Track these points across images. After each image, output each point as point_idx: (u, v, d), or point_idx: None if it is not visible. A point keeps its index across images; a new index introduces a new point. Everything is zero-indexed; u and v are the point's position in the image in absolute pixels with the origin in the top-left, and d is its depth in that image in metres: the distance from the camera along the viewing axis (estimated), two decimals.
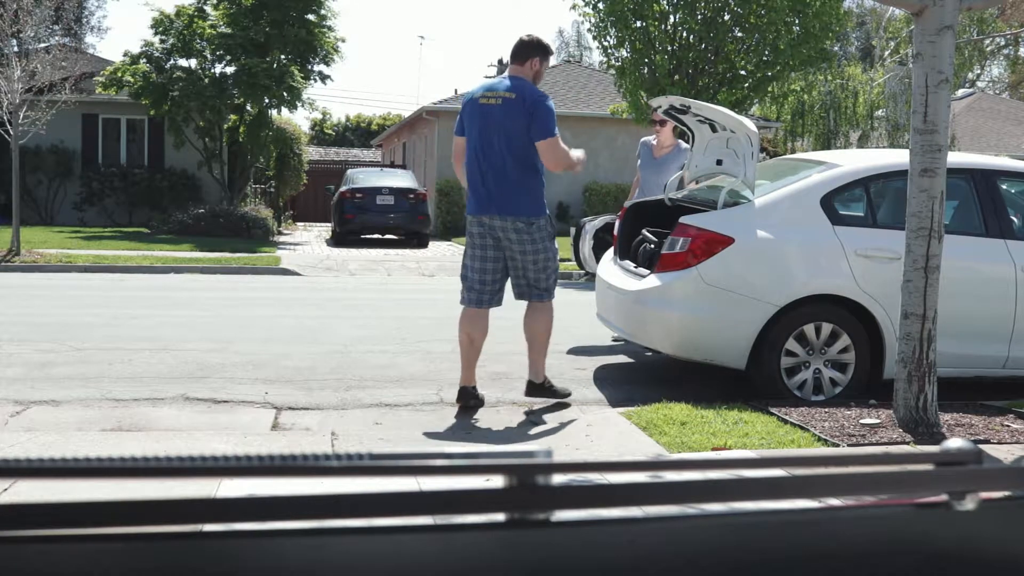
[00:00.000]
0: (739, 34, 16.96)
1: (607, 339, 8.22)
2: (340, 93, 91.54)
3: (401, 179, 22.65)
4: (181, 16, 22.22)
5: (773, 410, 5.56)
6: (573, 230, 8.93)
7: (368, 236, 22.18)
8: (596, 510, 0.83)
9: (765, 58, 16.73)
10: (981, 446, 3.80)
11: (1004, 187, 6.63)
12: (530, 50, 5.77)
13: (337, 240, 22.03)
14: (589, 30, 17.66)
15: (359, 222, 21.38)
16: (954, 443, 0.92)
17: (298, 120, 54.09)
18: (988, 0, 6.27)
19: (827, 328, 6.12)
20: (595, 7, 16.93)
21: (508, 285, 5.90)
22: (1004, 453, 4.88)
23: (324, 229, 27.41)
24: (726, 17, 16.71)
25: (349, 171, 24.34)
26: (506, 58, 6.81)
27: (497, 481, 0.82)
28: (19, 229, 15.39)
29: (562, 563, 0.85)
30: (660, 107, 7.27)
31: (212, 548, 0.80)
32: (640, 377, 7.09)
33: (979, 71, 46.77)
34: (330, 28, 23.39)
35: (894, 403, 5.38)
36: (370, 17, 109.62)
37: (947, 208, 5.54)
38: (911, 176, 5.26)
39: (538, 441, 5.15)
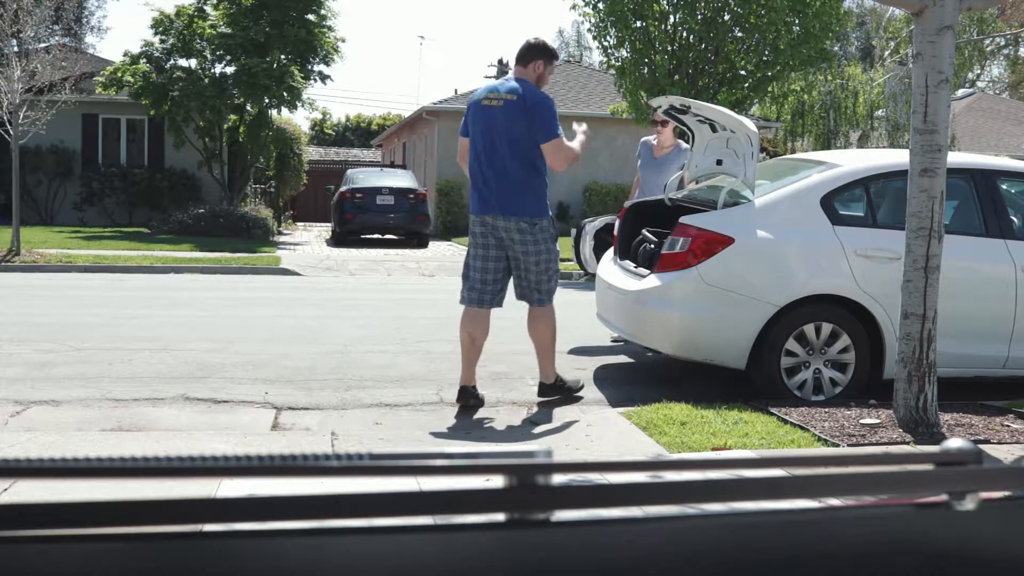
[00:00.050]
0: (739, 34, 16.95)
1: (607, 339, 8.22)
2: (340, 93, 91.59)
3: (401, 179, 22.66)
4: (181, 16, 22.22)
5: (773, 410, 5.56)
6: (574, 231, 8.94)
7: (368, 236, 22.18)
8: (596, 510, 0.83)
9: (765, 58, 16.73)
10: (981, 446, 3.80)
11: (1004, 187, 6.63)
12: (534, 53, 5.78)
13: (337, 240, 22.03)
14: (589, 30, 17.66)
15: (359, 222, 21.38)
16: (954, 443, 0.92)
17: (298, 120, 54.15)
18: (988, 0, 6.27)
19: (827, 328, 6.12)
20: (595, 7, 16.93)
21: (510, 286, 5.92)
22: (1004, 453, 4.88)
23: (324, 229, 27.42)
24: (726, 17, 16.71)
25: (349, 171, 24.34)
26: (506, 58, 6.83)
27: (497, 481, 0.82)
28: (19, 229, 15.39)
29: (562, 563, 0.85)
30: (660, 107, 7.27)
31: (212, 548, 0.80)
32: (640, 377, 7.09)
33: (979, 71, 46.77)
34: (330, 28, 23.39)
35: (894, 403, 5.38)
36: (370, 17, 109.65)
37: (947, 208, 5.54)
38: (911, 176, 5.26)
39: (538, 441, 5.16)
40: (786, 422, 5.32)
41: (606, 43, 17.20)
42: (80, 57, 21.15)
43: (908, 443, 4.99)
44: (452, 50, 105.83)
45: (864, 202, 6.43)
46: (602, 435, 5.25)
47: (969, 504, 0.90)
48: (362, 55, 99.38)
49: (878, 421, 5.34)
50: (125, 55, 22.27)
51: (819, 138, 28.13)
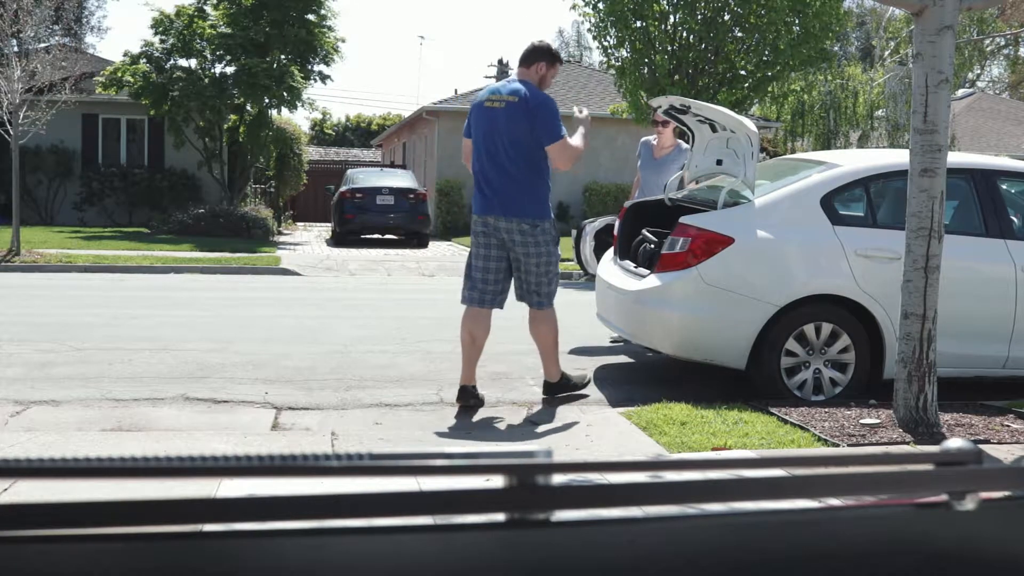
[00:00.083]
0: (739, 34, 16.95)
1: (607, 339, 8.22)
2: (340, 93, 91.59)
3: (401, 179, 22.66)
4: (181, 16, 22.22)
5: (773, 410, 5.56)
6: (574, 231, 8.95)
7: (368, 236, 22.18)
8: (596, 510, 0.83)
9: (765, 58, 16.72)
10: (981, 446, 3.80)
11: (1004, 187, 6.63)
12: (537, 55, 5.80)
13: (337, 240, 22.03)
14: (589, 30, 17.65)
15: (359, 222, 21.38)
16: (954, 443, 0.92)
17: (298, 120, 54.15)
18: (988, 0, 6.27)
19: (827, 328, 6.12)
20: (595, 7, 16.93)
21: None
22: (1004, 453, 4.88)
23: (324, 229, 27.42)
24: (726, 17, 16.71)
25: (349, 171, 24.34)
26: (506, 58, 6.85)
27: (497, 481, 0.82)
28: (19, 229, 15.39)
29: (562, 563, 0.85)
30: (660, 107, 7.27)
31: (212, 548, 0.80)
32: (640, 377, 7.09)
33: (979, 71, 46.77)
34: (330, 28, 23.39)
35: (894, 403, 5.38)
36: (370, 17, 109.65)
37: (947, 208, 5.54)
38: (911, 176, 5.26)
39: (538, 441, 5.16)
40: (786, 422, 5.32)
41: (606, 43, 17.20)
42: (80, 57, 21.15)
43: (908, 443, 4.99)
44: (452, 50, 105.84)
45: (864, 202, 6.43)
46: (602, 435, 5.25)
47: (969, 504, 0.90)
48: (362, 55, 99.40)
49: (878, 421, 5.34)
50: (125, 55, 22.27)
51: (819, 138, 28.14)
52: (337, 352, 7.63)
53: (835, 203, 6.27)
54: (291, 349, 7.71)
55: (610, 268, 7.27)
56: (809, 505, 0.90)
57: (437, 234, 24.38)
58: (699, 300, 6.09)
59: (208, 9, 22.60)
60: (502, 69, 36.92)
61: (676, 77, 16.57)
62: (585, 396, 6.13)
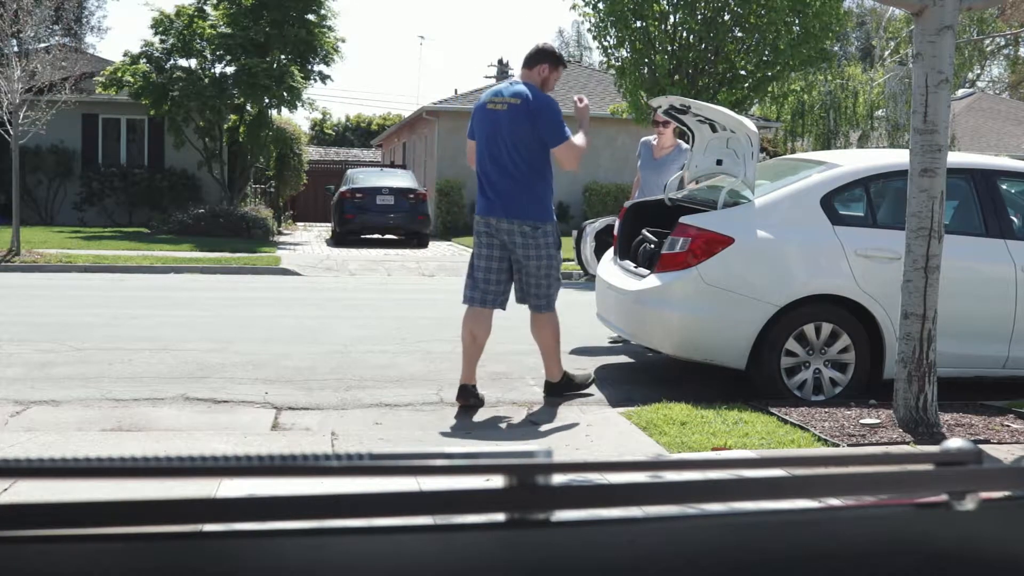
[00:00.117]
0: (739, 34, 16.94)
1: (606, 339, 8.22)
2: (340, 93, 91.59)
3: (401, 179, 22.66)
4: (181, 16, 22.22)
5: (773, 410, 5.56)
6: (575, 232, 8.95)
7: (368, 236, 22.18)
8: (596, 510, 0.83)
9: (765, 58, 16.72)
10: (981, 446, 3.80)
11: (1004, 187, 6.63)
12: (540, 57, 5.82)
13: (337, 240, 22.03)
14: (589, 30, 17.65)
15: (359, 222, 21.38)
16: (954, 443, 0.92)
17: (298, 120, 54.15)
18: (988, 0, 6.27)
19: (827, 328, 6.12)
20: (595, 7, 16.93)
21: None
22: (1004, 453, 4.88)
23: (324, 229, 27.42)
24: (726, 17, 16.71)
25: (349, 171, 24.34)
26: (506, 58, 6.87)
27: (497, 481, 0.82)
28: (19, 229, 15.39)
29: (562, 563, 0.85)
30: (660, 107, 7.27)
31: (212, 548, 0.80)
32: (640, 377, 7.09)
33: (979, 71, 46.77)
34: (330, 28, 23.39)
35: (894, 403, 5.38)
36: (370, 17, 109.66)
37: (947, 208, 5.54)
38: (911, 176, 5.26)
39: (538, 441, 5.15)
40: (786, 422, 5.32)
41: (606, 43, 17.20)
42: (80, 57, 21.15)
43: (908, 443, 4.99)
44: (452, 50, 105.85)
45: (864, 202, 6.43)
46: (602, 435, 5.25)
47: (969, 504, 0.90)
48: (362, 55, 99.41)
49: (878, 421, 5.34)
50: (125, 55, 22.27)
51: (819, 138, 28.14)
52: (337, 352, 7.63)
53: (835, 203, 6.27)
54: (291, 349, 7.71)
55: (610, 268, 7.27)
56: (809, 505, 0.90)
57: (437, 234, 24.38)
58: (699, 300, 6.09)
59: (208, 9, 22.60)
60: (502, 69, 36.92)
61: (676, 77, 16.57)
62: (588, 395, 6.14)
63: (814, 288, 6.11)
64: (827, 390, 6.11)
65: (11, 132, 15.18)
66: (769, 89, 18.07)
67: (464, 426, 5.50)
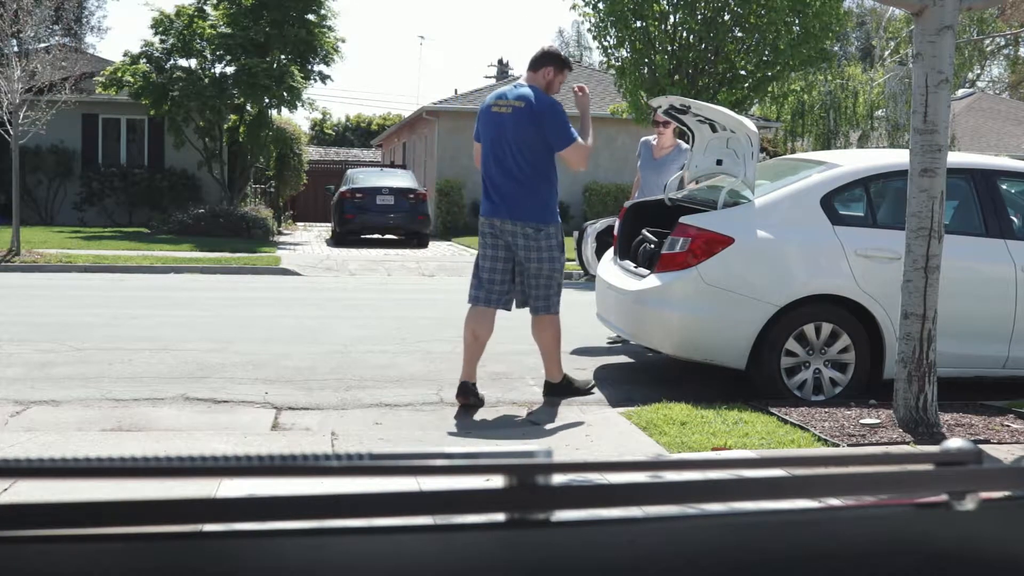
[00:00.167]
0: (739, 34, 16.94)
1: (605, 340, 8.22)
2: (340, 93, 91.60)
3: (401, 179, 22.66)
4: (181, 16, 22.22)
5: (773, 410, 5.56)
6: (576, 233, 8.96)
7: (368, 236, 22.18)
8: (596, 510, 0.83)
9: (765, 58, 16.72)
10: (981, 446, 3.80)
11: (1004, 187, 6.63)
12: (545, 60, 5.85)
13: (337, 240, 22.03)
14: (589, 30, 17.65)
15: (359, 222, 21.38)
16: (954, 443, 0.92)
17: (298, 120, 54.15)
18: (988, 0, 6.27)
19: (827, 328, 6.12)
20: (595, 7, 16.93)
21: None
22: (1004, 453, 4.88)
23: (324, 229, 27.42)
24: (726, 17, 16.70)
25: (349, 171, 24.34)
26: (506, 58, 6.88)
27: (497, 481, 0.82)
28: (19, 229, 15.39)
29: (562, 563, 0.85)
30: (660, 107, 7.27)
31: (212, 548, 0.80)
32: (640, 377, 7.09)
33: (979, 71, 46.77)
34: (330, 28, 23.39)
35: (894, 403, 5.38)
36: (370, 17, 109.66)
37: (947, 208, 5.54)
38: (911, 176, 5.26)
39: (538, 441, 5.15)
40: (786, 422, 5.32)
41: (606, 43, 17.20)
42: (80, 57, 21.14)
43: (908, 443, 4.99)
44: (452, 50, 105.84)
45: (864, 202, 6.43)
46: (602, 435, 5.25)
47: (969, 504, 0.90)
48: (362, 55, 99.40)
49: (878, 421, 5.34)
50: (125, 55, 22.27)
51: (819, 138, 28.13)
52: (337, 352, 7.63)
53: (835, 203, 6.27)
54: (291, 349, 7.71)
55: (610, 268, 7.27)
56: (809, 505, 0.90)
57: (437, 234, 24.38)
58: (699, 300, 6.09)
59: (208, 9, 22.60)
60: (502, 69, 36.93)
61: (676, 77, 16.56)
62: (589, 393, 6.15)
63: (814, 288, 6.11)
64: (827, 390, 6.11)
65: (11, 132, 15.18)
66: (769, 89, 18.06)
67: (464, 426, 5.50)
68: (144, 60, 21.80)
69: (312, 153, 35.73)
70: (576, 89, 5.97)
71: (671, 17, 16.84)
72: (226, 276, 14.37)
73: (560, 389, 6.02)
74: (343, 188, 22.08)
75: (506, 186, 5.71)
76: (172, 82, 21.51)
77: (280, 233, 24.17)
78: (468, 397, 5.78)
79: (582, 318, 8.36)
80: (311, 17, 22.88)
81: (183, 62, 22.34)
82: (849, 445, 4.92)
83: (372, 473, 0.82)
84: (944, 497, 0.91)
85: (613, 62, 17.33)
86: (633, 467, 0.86)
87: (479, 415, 5.73)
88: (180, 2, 22.86)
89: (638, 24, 16.63)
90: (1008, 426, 5.40)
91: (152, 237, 19.92)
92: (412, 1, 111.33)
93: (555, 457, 0.82)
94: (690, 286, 6.10)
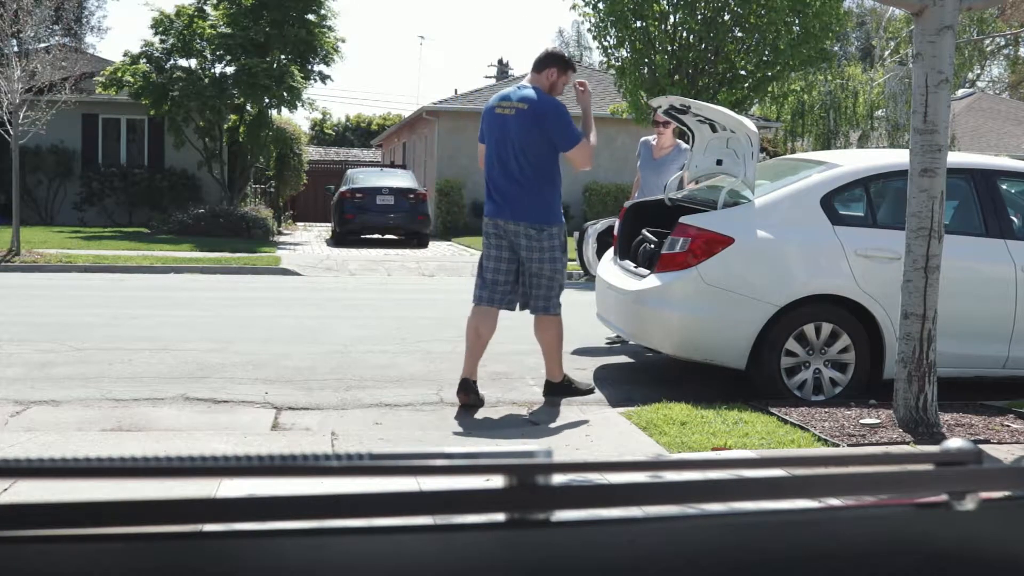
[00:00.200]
0: (739, 34, 16.95)
1: (604, 340, 8.22)
2: (340, 93, 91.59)
3: (401, 179, 22.66)
4: (181, 16, 22.22)
5: (773, 410, 5.56)
6: (577, 234, 8.96)
7: (368, 236, 22.18)
8: (596, 510, 0.83)
9: (765, 58, 16.72)
10: (981, 446, 3.80)
11: (1004, 187, 6.63)
12: (549, 61, 5.87)
13: (337, 240, 22.03)
14: (589, 30, 17.65)
15: (359, 222, 21.38)
16: (954, 443, 0.92)
17: (298, 120, 54.16)
18: (988, 0, 6.27)
19: (827, 328, 6.12)
20: (595, 7, 16.93)
21: None
22: (1004, 453, 4.88)
23: (324, 229, 27.42)
24: (726, 17, 16.71)
25: (349, 171, 24.34)
26: (506, 58, 6.90)
27: (497, 481, 0.82)
28: (19, 229, 15.39)
29: (562, 563, 0.85)
30: (660, 107, 7.27)
31: (212, 548, 0.80)
32: (640, 377, 7.09)
33: (979, 71, 46.76)
34: (330, 28, 23.40)
35: (894, 403, 5.38)
36: (370, 17, 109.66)
37: (947, 208, 5.54)
38: (911, 176, 5.26)
39: (538, 441, 5.15)
40: (786, 422, 5.32)
41: (606, 43, 17.20)
42: (80, 57, 21.14)
43: (908, 443, 4.99)
44: (452, 50, 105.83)
45: (864, 202, 6.43)
46: (602, 435, 5.25)
47: (969, 504, 0.90)
48: (362, 55, 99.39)
49: (878, 421, 5.34)
50: (125, 55, 22.27)
51: (819, 138, 28.13)
52: (337, 352, 7.63)
53: (835, 203, 6.27)
54: (291, 349, 7.71)
55: (610, 268, 7.27)
56: (809, 505, 0.90)
57: (437, 234, 24.38)
58: (699, 300, 6.09)
59: (208, 9, 22.60)
60: (502, 69, 36.93)
61: (676, 77, 16.57)
62: (589, 392, 6.16)
63: (814, 288, 6.11)
64: (827, 390, 6.11)
65: (11, 132, 15.18)
66: (769, 89, 18.07)
67: (464, 426, 5.50)
68: (144, 60, 21.80)
69: (312, 153, 35.73)
70: (577, 84, 5.98)
71: (671, 17, 16.84)
72: (226, 276, 14.37)
73: (560, 389, 6.03)
74: (343, 188, 22.08)
75: (510, 187, 5.73)
76: (172, 82, 21.51)
77: (280, 233, 24.17)
78: (468, 394, 5.79)
79: (582, 318, 8.36)
80: (311, 17, 22.88)
81: (183, 62, 22.34)
82: (849, 445, 4.92)
83: (372, 473, 0.82)
84: (944, 497, 0.91)
85: (613, 62, 17.33)
86: (633, 467, 0.86)
87: (479, 415, 5.73)
88: (180, 2, 22.86)
89: (638, 24, 16.64)
90: (1008, 426, 5.40)
91: (152, 237, 19.92)
92: (412, 1, 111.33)
93: (555, 457, 0.82)
94: (690, 286, 6.10)
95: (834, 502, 0.93)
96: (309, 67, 23.35)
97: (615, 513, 0.84)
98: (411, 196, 21.46)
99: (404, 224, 21.46)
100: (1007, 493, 0.95)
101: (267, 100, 21.94)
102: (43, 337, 7.95)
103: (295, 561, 0.80)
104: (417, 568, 0.82)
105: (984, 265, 6.33)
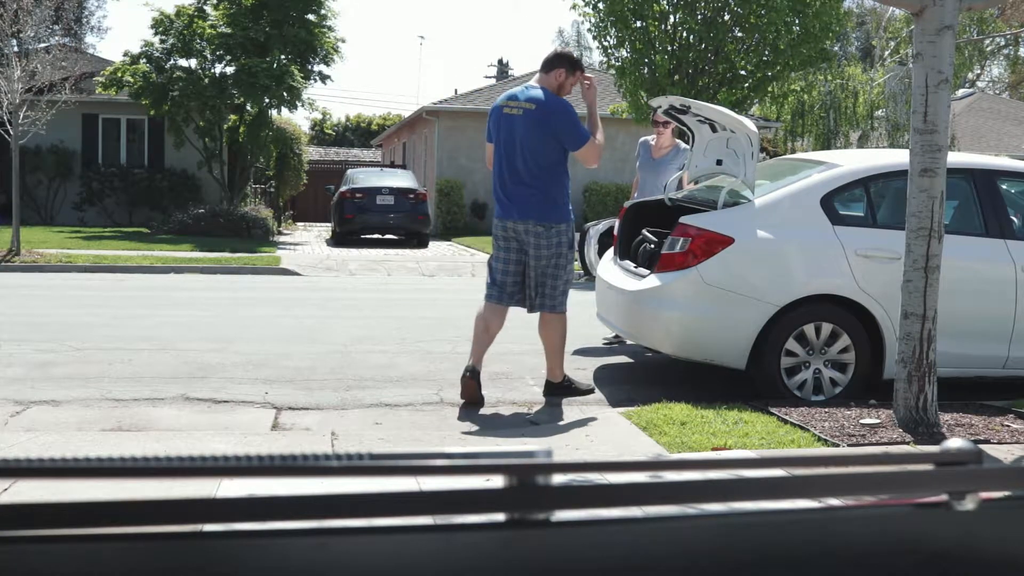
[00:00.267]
0: (739, 34, 16.95)
1: (601, 340, 8.22)
2: (340, 93, 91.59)
3: (401, 179, 22.66)
4: (181, 16, 22.22)
5: (773, 410, 5.56)
6: (578, 235, 8.96)
7: (368, 236, 22.18)
8: (596, 510, 0.83)
9: (765, 58, 16.72)
10: (981, 446, 3.80)
11: (1004, 187, 6.63)
12: (558, 62, 5.92)
13: (337, 240, 22.03)
14: (589, 30, 17.66)
15: (359, 222, 21.38)
16: (954, 443, 0.92)
17: (298, 120, 54.17)
18: (988, 0, 6.27)
19: (827, 328, 6.12)
20: (595, 7, 16.93)
21: None
22: (1004, 453, 4.88)
23: (324, 229, 27.42)
24: (726, 17, 16.71)
25: (349, 171, 24.34)
26: (506, 58, 6.93)
27: (497, 481, 0.82)
28: (19, 229, 15.39)
29: (562, 563, 0.85)
30: (660, 107, 7.27)
31: (212, 548, 0.80)
32: (640, 377, 7.09)
33: (979, 71, 46.75)
34: (330, 28, 23.39)
35: (894, 403, 5.38)
36: (370, 17, 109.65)
37: (947, 208, 5.54)
38: (911, 176, 5.26)
39: (538, 441, 5.15)
40: (786, 422, 5.32)
41: (606, 43, 17.21)
42: (80, 57, 21.14)
43: (908, 443, 4.99)
44: (452, 50, 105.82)
45: (864, 202, 6.43)
46: (602, 435, 5.25)
47: (969, 504, 0.90)
48: (362, 55, 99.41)
49: (878, 421, 5.34)
50: (125, 55, 22.26)
51: (819, 138, 28.10)
52: (337, 352, 7.63)
53: (835, 203, 6.26)
54: (291, 349, 7.71)
55: (610, 268, 7.27)
56: (809, 505, 0.90)
57: (437, 234, 24.37)
58: (699, 300, 6.09)
59: (208, 9, 22.59)
60: (502, 69, 36.96)
61: (676, 77, 16.57)
62: (589, 392, 6.17)
63: (814, 288, 6.11)
64: (827, 390, 6.11)
65: (11, 132, 15.17)
66: (769, 89, 18.07)
67: (464, 426, 5.50)
68: (144, 60, 21.79)
69: (312, 153, 35.74)
70: (583, 80, 5.98)
71: (671, 17, 16.85)
72: (226, 276, 14.37)
73: (560, 389, 6.03)
74: (343, 188, 22.08)
75: (516, 187, 5.78)
76: (172, 82, 21.51)
77: (280, 233, 24.17)
78: (473, 382, 5.78)
79: (582, 318, 8.36)
80: (311, 17, 22.88)
81: (183, 62, 22.33)
82: (849, 445, 4.92)
83: (372, 473, 0.82)
84: (944, 497, 0.91)
85: (613, 62, 17.34)
86: (633, 467, 0.86)
87: (479, 415, 5.73)
88: (180, 2, 22.86)
89: (638, 24, 16.64)
90: (1008, 426, 5.40)
91: (152, 237, 19.92)
92: (412, 1, 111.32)
93: (555, 457, 0.82)
94: (690, 286, 6.10)
95: (834, 502, 0.93)
96: (309, 67, 23.34)
97: (615, 513, 0.84)
98: (411, 196, 21.46)
99: (404, 224, 21.46)
100: (1007, 493, 0.95)
101: (267, 100, 21.92)
102: (43, 337, 7.95)
103: (295, 561, 0.80)
104: (417, 568, 0.82)
105: (984, 265, 6.33)
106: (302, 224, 30.69)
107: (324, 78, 23.79)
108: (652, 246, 6.89)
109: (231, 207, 22.08)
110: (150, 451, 4.21)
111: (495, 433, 5.36)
